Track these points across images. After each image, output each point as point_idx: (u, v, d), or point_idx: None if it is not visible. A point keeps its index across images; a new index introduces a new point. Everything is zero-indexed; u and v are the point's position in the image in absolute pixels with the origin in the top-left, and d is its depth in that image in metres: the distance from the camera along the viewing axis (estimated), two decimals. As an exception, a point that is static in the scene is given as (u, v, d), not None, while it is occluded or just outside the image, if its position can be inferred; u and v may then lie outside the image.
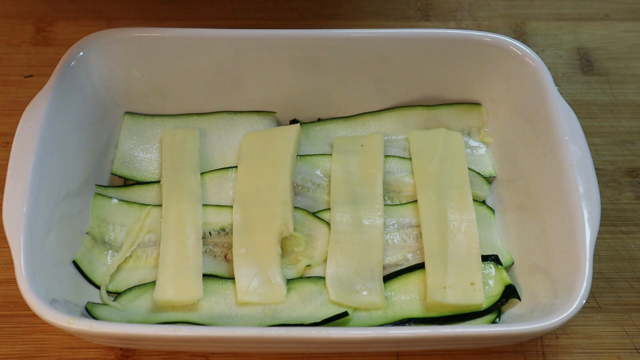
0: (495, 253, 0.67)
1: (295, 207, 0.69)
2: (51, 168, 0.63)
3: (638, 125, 0.79)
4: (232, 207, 0.68)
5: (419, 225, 0.68)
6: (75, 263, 0.65)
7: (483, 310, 0.63)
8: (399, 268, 0.67)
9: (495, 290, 0.65)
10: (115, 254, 0.67)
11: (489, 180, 0.72)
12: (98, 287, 0.65)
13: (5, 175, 0.61)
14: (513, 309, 0.64)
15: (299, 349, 0.64)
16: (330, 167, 0.71)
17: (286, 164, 0.69)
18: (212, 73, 0.73)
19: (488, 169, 0.73)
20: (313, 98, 0.75)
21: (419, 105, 0.75)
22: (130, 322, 0.62)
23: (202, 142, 0.73)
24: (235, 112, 0.75)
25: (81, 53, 0.69)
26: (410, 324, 0.63)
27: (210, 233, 0.67)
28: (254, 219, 0.67)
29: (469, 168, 0.71)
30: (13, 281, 0.57)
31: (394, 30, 0.71)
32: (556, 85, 0.67)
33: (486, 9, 0.88)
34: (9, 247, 0.58)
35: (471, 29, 0.71)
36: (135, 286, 0.65)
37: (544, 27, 0.87)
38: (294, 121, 0.75)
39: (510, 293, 0.64)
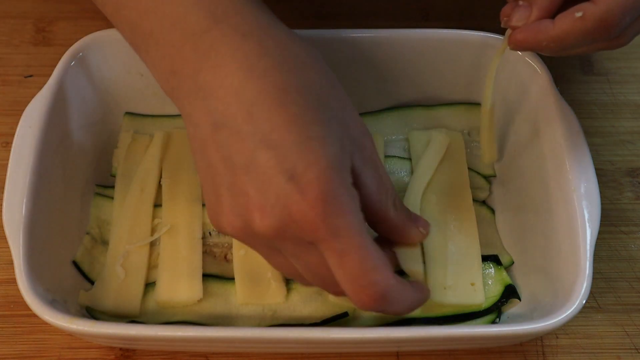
0: (495, 253, 0.67)
1: (295, 207, 0.68)
2: (51, 168, 0.63)
3: (638, 125, 0.79)
4: (232, 207, 0.69)
5: (418, 225, 0.68)
6: (75, 263, 0.65)
7: (483, 310, 0.63)
8: (399, 268, 0.67)
9: (495, 290, 0.65)
10: (115, 254, 0.67)
11: (489, 180, 0.72)
12: (98, 287, 0.65)
13: (5, 175, 0.61)
14: (513, 309, 0.64)
15: (299, 349, 0.64)
16: (331, 167, 0.71)
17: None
18: (212, 73, 0.73)
19: (488, 169, 0.73)
20: (313, 98, 0.75)
21: (419, 105, 0.75)
22: (131, 322, 0.62)
23: (202, 142, 0.73)
24: (235, 112, 0.74)
25: (81, 53, 0.69)
26: (410, 324, 0.63)
27: (210, 233, 0.67)
28: (253, 219, 0.67)
29: (469, 168, 0.71)
30: (13, 281, 0.57)
31: (394, 30, 0.71)
32: (556, 85, 0.67)
33: (486, 9, 0.88)
34: (9, 247, 0.58)
35: (471, 29, 0.71)
36: (135, 286, 0.65)
37: (544, 27, 0.87)
38: (294, 121, 0.75)
39: (510, 293, 0.64)
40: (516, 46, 0.58)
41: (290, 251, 0.52)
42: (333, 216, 0.48)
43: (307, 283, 0.56)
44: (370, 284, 0.50)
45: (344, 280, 0.50)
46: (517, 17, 0.57)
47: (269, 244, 0.53)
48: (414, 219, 0.58)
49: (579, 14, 0.53)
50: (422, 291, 0.56)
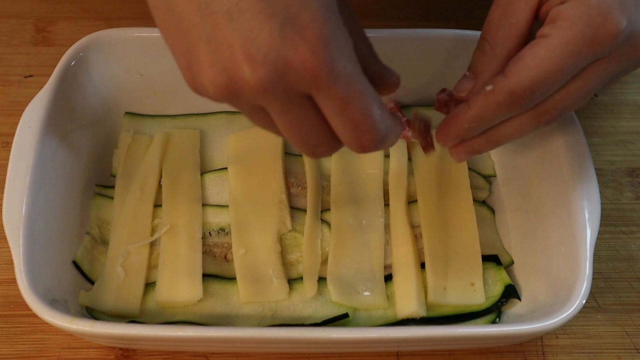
0: (495, 253, 0.67)
1: (296, 208, 0.69)
2: (51, 168, 0.63)
3: (638, 125, 0.79)
4: (232, 207, 0.69)
5: (419, 226, 0.68)
6: (75, 263, 0.65)
7: (483, 310, 0.63)
8: (399, 268, 0.67)
9: (495, 290, 0.65)
10: (115, 254, 0.67)
11: (489, 180, 0.72)
12: (98, 287, 0.65)
13: (5, 175, 0.61)
14: (513, 309, 0.64)
15: (299, 349, 0.64)
16: (331, 167, 0.71)
17: (278, 162, 0.69)
18: (212, 73, 0.73)
19: (488, 169, 0.73)
20: (313, 98, 0.75)
21: (419, 105, 0.75)
22: (131, 322, 0.62)
23: (202, 143, 0.73)
24: (235, 112, 0.75)
25: (81, 53, 0.69)
26: (410, 324, 0.63)
27: (210, 233, 0.67)
28: (251, 218, 0.67)
29: (469, 168, 0.71)
30: (13, 281, 0.57)
31: (394, 30, 0.71)
32: (556, 85, 0.67)
33: (486, 9, 0.88)
34: (9, 247, 0.58)
35: (471, 29, 0.71)
36: (135, 286, 0.65)
37: (544, 27, 0.87)
38: (294, 121, 0.75)
39: (510, 293, 0.64)
40: (445, 142, 0.58)
41: (278, 108, 0.47)
42: (335, 60, 0.44)
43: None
44: (373, 128, 0.48)
45: (345, 127, 0.47)
46: (460, 87, 0.56)
47: (255, 102, 0.47)
48: (387, 67, 0.54)
49: (489, 87, 0.53)
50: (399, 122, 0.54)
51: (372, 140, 0.48)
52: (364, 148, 0.49)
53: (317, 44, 0.44)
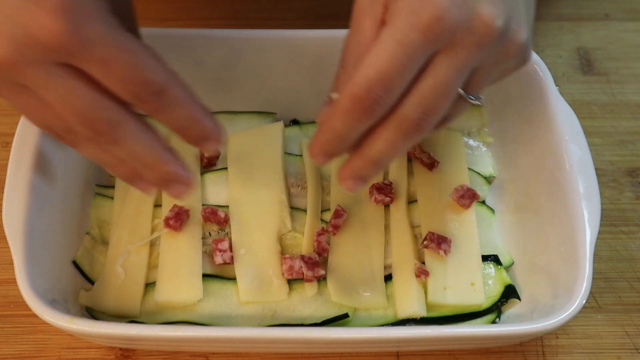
0: (495, 253, 0.67)
1: (296, 208, 0.69)
2: (51, 168, 0.63)
3: (638, 125, 0.79)
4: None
5: (419, 226, 0.68)
6: (75, 263, 0.65)
7: (483, 310, 0.63)
8: (399, 268, 0.67)
9: (495, 290, 0.65)
10: (115, 254, 0.67)
11: (489, 180, 0.72)
12: (98, 287, 0.65)
13: (5, 175, 0.61)
14: (513, 309, 0.64)
15: (299, 349, 0.64)
16: (331, 167, 0.71)
17: (278, 163, 0.69)
18: (212, 73, 0.73)
19: (488, 169, 0.73)
20: (313, 98, 0.75)
21: (419, 105, 0.75)
22: (131, 322, 0.62)
23: (202, 142, 0.73)
24: (235, 112, 0.75)
25: (81, 53, 0.69)
26: (410, 324, 0.63)
27: (210, 233, 0.67)
28: (251, 219, 0.67)
29: (469, 168, 0.71)
30: (13, 281, 0.57)
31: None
32: (556, 85, 0.67)
33: (486, 9, 0.88)
34: (9, 247, 0.58)
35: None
36: (135, 286, 0.65)
37: (543, 27, 0.87)
38: (294, 121, 0.75)
39: (510, 293, 0.64)
40: (315, 157, 0.54)
41: (39, 82, 0.45)
42: (81, 26, 0.43)
43: (63, 127, 0.50)
44: (146, 81, 0.46)
45: (117, 86, 0.46)
46: (321, 114, 0.54)
47: (10, 79, 0.46)
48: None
49: (334, 95, 0.51)
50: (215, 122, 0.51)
51: (149, 94, 0.47)
52: (143, 103, 0.48)
53: (56, 10, 0.43)
